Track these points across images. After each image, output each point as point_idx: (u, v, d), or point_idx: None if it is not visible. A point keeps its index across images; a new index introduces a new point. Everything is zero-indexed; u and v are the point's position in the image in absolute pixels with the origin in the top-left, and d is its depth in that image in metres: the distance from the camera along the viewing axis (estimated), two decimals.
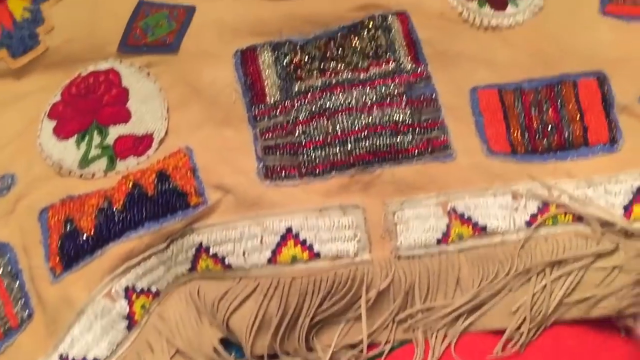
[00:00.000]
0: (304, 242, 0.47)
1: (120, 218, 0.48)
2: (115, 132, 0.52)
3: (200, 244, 0.47)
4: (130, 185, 0.49)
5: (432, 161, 0.50)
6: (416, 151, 0.50)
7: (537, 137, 0.51)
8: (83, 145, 0.52)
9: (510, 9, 0.54)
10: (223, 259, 0.47)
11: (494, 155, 0.50)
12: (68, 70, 0.55)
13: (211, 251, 0.47)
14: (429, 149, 0.50)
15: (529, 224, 0.48)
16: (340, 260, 0.47)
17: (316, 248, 0.47)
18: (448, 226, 0.48)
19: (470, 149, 0.50)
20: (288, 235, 0.47)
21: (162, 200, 0.48)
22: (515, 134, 0.51)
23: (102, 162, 0.52)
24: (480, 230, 0.48)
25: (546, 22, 0.54)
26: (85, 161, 0.52)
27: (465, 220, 0.48)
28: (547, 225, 0.48)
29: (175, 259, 0.48)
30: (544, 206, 0.48)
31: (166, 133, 0.52)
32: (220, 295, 0.47)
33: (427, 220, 0.48)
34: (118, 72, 0.55)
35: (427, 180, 0.49)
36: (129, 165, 0.52)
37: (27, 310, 0.48)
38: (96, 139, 0.52)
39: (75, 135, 0.53)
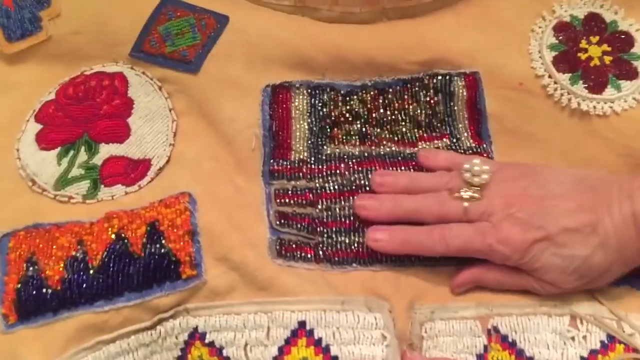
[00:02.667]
0: (318, 342, 0.41)
1: (95, 282, 0.42)
2: (106, 150, 0.46)
3: (196, 329, 0.42)
4: (112, 236, 0.43)
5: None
6: None
7: None
8: (65, 161, 0.46)
9: (608, 91, 0.46)
10: (221, 349, 0.41)
11: None
12: (70, 66, 0.50)
13: (207, 338, 0.41)
14: None
15: None
16: None
17: (334, 350, 0.41)
18: (486, 348, 0.42)
19: None
20: (300, 331, 0.41)
21: (149, 265, 0.42)
22: None
23: (84, 185, 0.45)
24: None
25: None
26: (63, 181, 0.45)
27: (508, 345, 0.42)
28: None
29: (162, 344, 0.42)
30: (610, 342, 0.42)
31: (167, 162, 0.46)
32: None
33: (462, 338, 0.42)
34: (126, 79, 0.49)
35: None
36: (115, 194, 0.45)
37: None
38: (82, 156, 0.46)
39: (59, 148, 0.46)
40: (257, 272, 0.42)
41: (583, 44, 0.47)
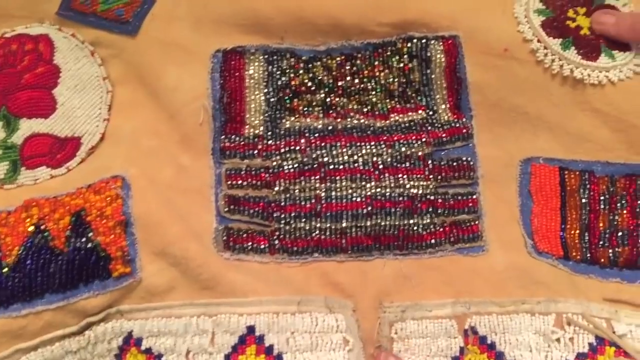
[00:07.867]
0: (269, 350, 0.38)
1: (10, 283, 0.38)
2: (28, 127, 0.42)
3: (130, 334, 0.39)
4: (30, 228, 0.38)
5: (453, 254, 0.42)
6: (434, 239, 0.42)
7: (601, 242, 0.42)
8: None
9: (603, 59, 0.42)
10: (159, 357, 0.39)
11: (539, 256, 0.42)
12: None
13: (144, 344, 0.39)
14: (452, 237, 0.42)
15: None
16: None
17: (287, 359, 0.38)
18: (462, 351, 0.39)
19: (508, 242, 0.42)
20: (249, 337, 0.38)
21: (74, 261, 0.38)
22: (572, 232, 0.42)
23: (1, 168, 0.42)
24: None
25: None
26: None
27: (486, 347, 0.39)
28: None
29: (92, 350, 0.39)
30: (599, 344, 0.39)
31: (101, 139, 0.42)
32: None
33: (436, 339, 0.40)
34: (52, 42, 0.44)
35: (443, 280, 0.41)
36: (39, 177, 0.41)
37: None
38: (0, 134, 0.42)
39: None
40: (200, 269, 0.39)
41: (570, 13, 0.44)
